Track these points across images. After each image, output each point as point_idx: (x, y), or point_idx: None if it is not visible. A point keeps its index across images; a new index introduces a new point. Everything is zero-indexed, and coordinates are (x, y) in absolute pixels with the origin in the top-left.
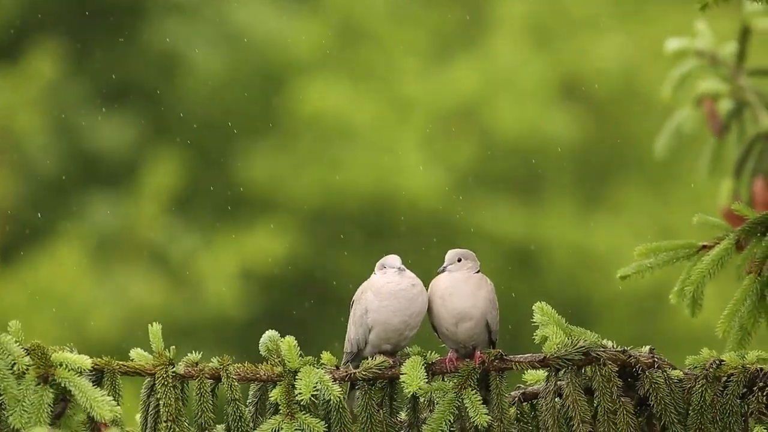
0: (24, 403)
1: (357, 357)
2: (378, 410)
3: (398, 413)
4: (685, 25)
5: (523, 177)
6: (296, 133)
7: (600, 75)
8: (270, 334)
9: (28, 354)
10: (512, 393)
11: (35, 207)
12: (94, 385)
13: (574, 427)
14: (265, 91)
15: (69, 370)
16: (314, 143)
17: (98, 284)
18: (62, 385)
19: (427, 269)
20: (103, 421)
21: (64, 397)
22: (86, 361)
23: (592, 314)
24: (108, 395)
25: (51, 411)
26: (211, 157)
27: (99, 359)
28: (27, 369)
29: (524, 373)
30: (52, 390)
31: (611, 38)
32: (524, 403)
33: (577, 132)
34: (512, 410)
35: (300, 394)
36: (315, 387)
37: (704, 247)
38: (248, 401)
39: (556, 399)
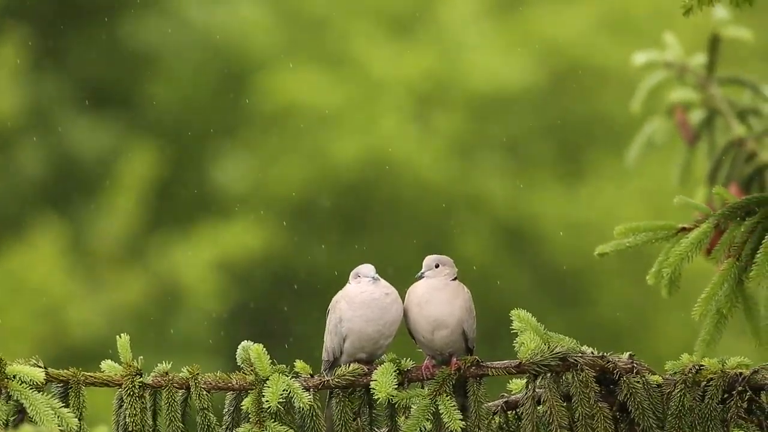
0: None
1: (334, 365)
2: (354, 419)
3: (380, 425)
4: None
5: (504, 145)
6: (268, 126)
7: (567, 44)
8: (244, 344)
9: None
10: (496, 402)
11: (13, 203)
12: (59, 397)
13: None
14: (233, 87)
15: (21, 383)
16: (287, 134)
17: (74, 279)
18: (15, 398)
19: (410, 260)
20: None
21: (22, 409)
22: (39, 374)
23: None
24: (72, 407)
25: (8, 422)
26: (186, 155)
27: (65, 371)
28: None
29: (509, 382)
30: (7, 403)
31: (577, 8)
32: (508, 412)
33: (543, 85)
34: (496, 419)
35: (267, 402)
36: (283, 395)
37: (683, 229)
38: (224, 411)
39: (538, 407)
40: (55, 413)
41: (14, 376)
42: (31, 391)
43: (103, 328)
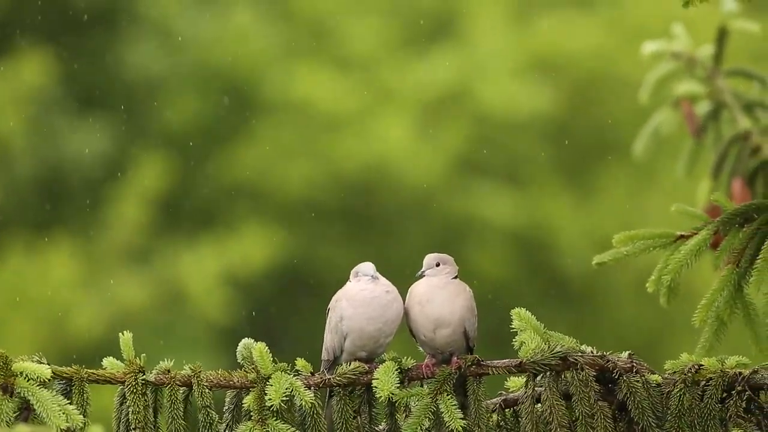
0: None
1: (334, 364)
2: (354, 417)
3: (378, 422)
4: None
5: (511, 160)
6: (276, 126)
7: (576, 56)
8: (245, 341)
9: None
10: (494, 400)
11: (20, 209)
12: (62, 394)
13: None
14: (240, 92)
15: (28, 380)
16: (293, 137)
17: (82, 286)
18: (21, 394)
19: (413, 260)
20: (59, 431)
21: (27, 406)
22: (46, 371)
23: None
24: (75, 404)
25: (14, 420)
26: (193, 160)
27: (68, 368)
28: None
29: (507, 380)
30: (12, 400)
31: (588, 19)
32: (506, 410)
33: (555, 112)
34: (494, 417)
35: (270, 400)
36: (285, 393)
37: (682, 236)
38: (225, 408)
39: (536, 405)
40: (62, 409)
41: (20, 373)
42: (37, 387)
43: (107, 334)
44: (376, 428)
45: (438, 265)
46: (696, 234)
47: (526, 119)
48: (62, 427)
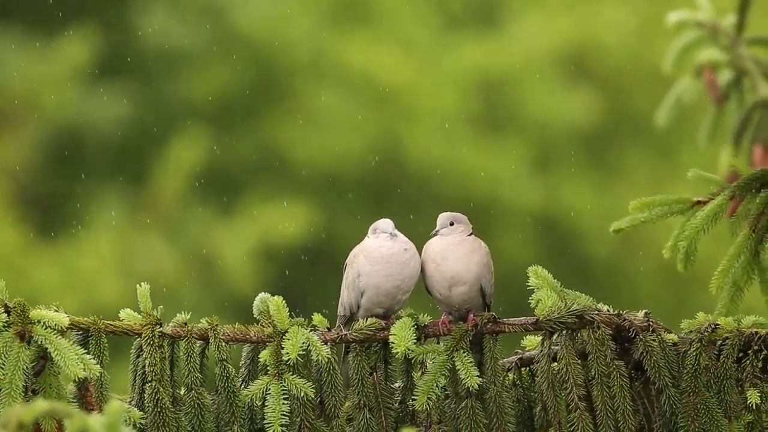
0: (2, 360)
1: (350, 321)
2: (370, 374)
3: (395, 379)
4: None
5: (539, 149)
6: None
7: (604, 48)
8: (262, 295)
9: (8, 312)
10: (510, 358)
11: (53, 180)
12: (80, 345)
13: (569, 391)
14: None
15: (46, 328)
16: (327, 110)
17: (115, 257)
18: (39, 342)
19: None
20: (76, 380)
21: (44, 356)
22: (64, 319)
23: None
24: (92, 355)
25: (30, 369)
26: (230, 130)
27: (85, 318)
28: (7, 326)
29: (523, 339)
30: (29, 348)
31: (615, 10)
32: (522, 369)
33: (585, 107)
34: (510, 375)
35: (287, 354)
36: (302, 347)
37: (698, 202)
38: (241, 363)
39: (553, 364)
40: (79, 358)
41: (38, 321)
42: (55, 335)
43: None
44: (392, 385)
45: (452, 224)
46: (713, 199)
47: (564, 121)
48: (80, 376)
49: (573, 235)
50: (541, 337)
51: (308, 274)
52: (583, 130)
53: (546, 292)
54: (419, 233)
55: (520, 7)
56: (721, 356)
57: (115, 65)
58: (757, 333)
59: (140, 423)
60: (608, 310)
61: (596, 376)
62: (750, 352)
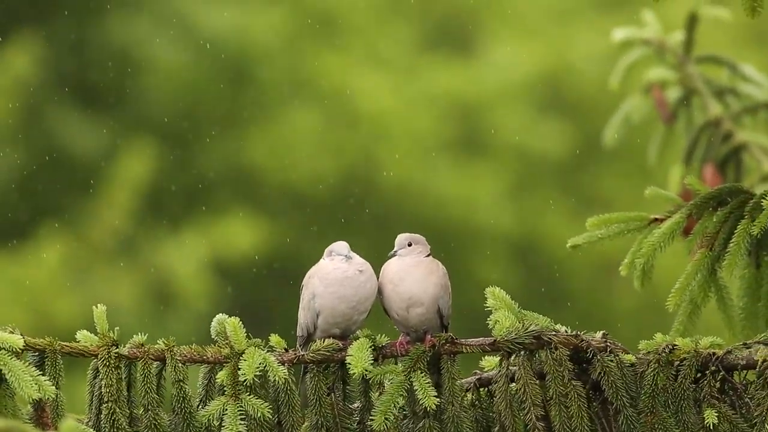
0: None
1: (308, 341)
2: (328, 394)
3: (353, 400)
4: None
5: (514, 174)
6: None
7: (578, 73)
8: (219, 317)
9: None
10: (468, 379)
11: (4, 201)
12: (35, 367)
13: (527, 411)
14: (234, 81)
15: (0, 350)
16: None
17: (66, 278)
18: None
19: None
20: (31, 402)
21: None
22: (18, 341)
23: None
24: (47, 376)
25: None
26: (179, 149)
27: (41, 339)
28: None
29: (481, 360)
30: None
31: (588, 36)
32: (480, 389)
33: (560, 134)
34: (469, 396)
35: (244, 375)
36: (259, 368)
37: (655, 220)
38: (198, 383)
39: (511, 384)
40: (34, 380)
41: None
42: (9, 357)
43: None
44: (351, 405)
45: (410, 245)
46: (670, 217)
47: (539, 147)
48: (34, 397)
49: (547, 258)
50: (499, 358)
51: (275, 293)
52: (557, 155)
53: (503, 313)
54: (387, 255)
55: (496, 33)
56: (679, 377)
57: (65, 78)
58: (714, 354)
59: None
60: (566, 331)
61: (554, 396)
62: (707, 372)
